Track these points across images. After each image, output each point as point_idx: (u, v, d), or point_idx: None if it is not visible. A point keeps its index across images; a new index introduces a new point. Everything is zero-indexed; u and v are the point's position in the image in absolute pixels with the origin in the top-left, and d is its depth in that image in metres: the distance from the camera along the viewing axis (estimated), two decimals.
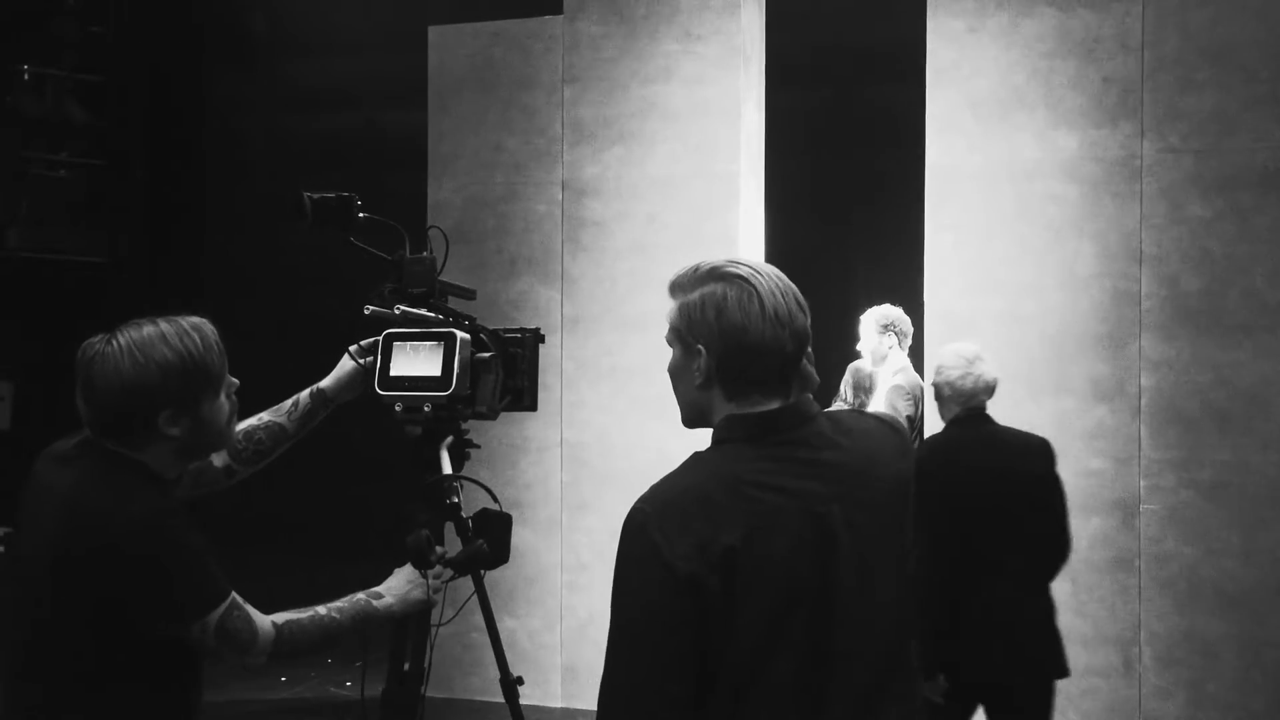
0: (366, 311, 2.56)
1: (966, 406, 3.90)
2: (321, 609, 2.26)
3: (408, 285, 2.59)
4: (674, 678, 1.66)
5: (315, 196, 2.58)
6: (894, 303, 6.08)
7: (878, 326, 6.03)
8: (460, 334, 2.49)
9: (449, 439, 2.50)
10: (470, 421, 2.67)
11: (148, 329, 2.14)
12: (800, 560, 1.72)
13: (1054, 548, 3.85)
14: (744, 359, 1.78)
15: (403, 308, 2.56)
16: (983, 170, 5.50)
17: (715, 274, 1.81)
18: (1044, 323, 5.35)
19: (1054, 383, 5.32)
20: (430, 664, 2.61)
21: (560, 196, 6.27)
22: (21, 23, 9.26)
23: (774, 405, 1.80)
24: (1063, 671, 3.82)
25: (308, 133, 9.78)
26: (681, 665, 1.66)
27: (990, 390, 3.92)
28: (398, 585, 2.39)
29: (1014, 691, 3.82)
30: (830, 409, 1.90)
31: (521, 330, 2.70)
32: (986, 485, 3.79)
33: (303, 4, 9.58)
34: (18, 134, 9.14)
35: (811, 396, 1.88)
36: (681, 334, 1.83)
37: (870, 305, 6.11)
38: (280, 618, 2.20)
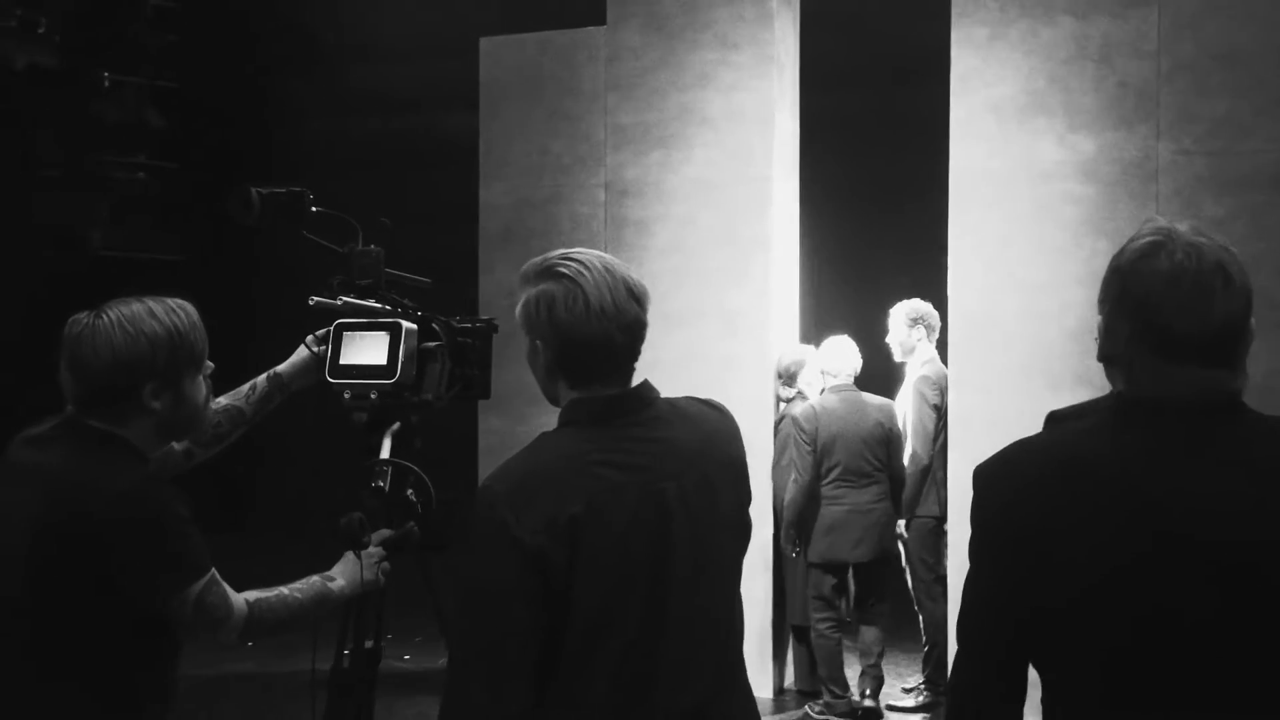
0: (311, 302, 2.52)
1: (838, 379, 5.70)
2: (285, 589, 2.24)
3: (355, 277, 2.54)
4: (522, 647, 1.68)
5: (264, 191, 2.52)
6: (920, 299, 6.12)
7: (907, 320, 6.06)
8: (406, 324, 2.45)
9: (395, 425, 2.45)
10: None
11: (135, 305, 2.11)
12: (638, 533, 1.75)
13: (890, 474, 5.65)
14: (577, 353, 1.81)
15: (346, 298, 2.52)
16: (1003, 172, 5.53)
17: (548, 272, 1.83)
18: (1062, 318, 5.38)
19: (1072, 376, 5.34)
20: (380, 643, 2.53)
21: (603, 198, 6.37)
22: (102, 32, 9.46)
23: (614, 391, 1.83)
24: (896, 555, 5.74)
25: (367, 136, 9.94)
26: (530, 636, 1.68)
27: (856, 370, 5.74)
28: (347, 568, 2.35)
29: (869, 566, 5.62)
30: (673, 396, 1.96)
31: (474, 321, 2.63)
32: (845, 430, 5.57)
33: (363, 15, 9.73)
34: (99, 139, 9.36)
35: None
36: (524, 329, 1.86)
37: (898, 301, 6.15)
38: (251, 596, 2.16)
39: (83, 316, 2.10)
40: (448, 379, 2.50)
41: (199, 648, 2.18)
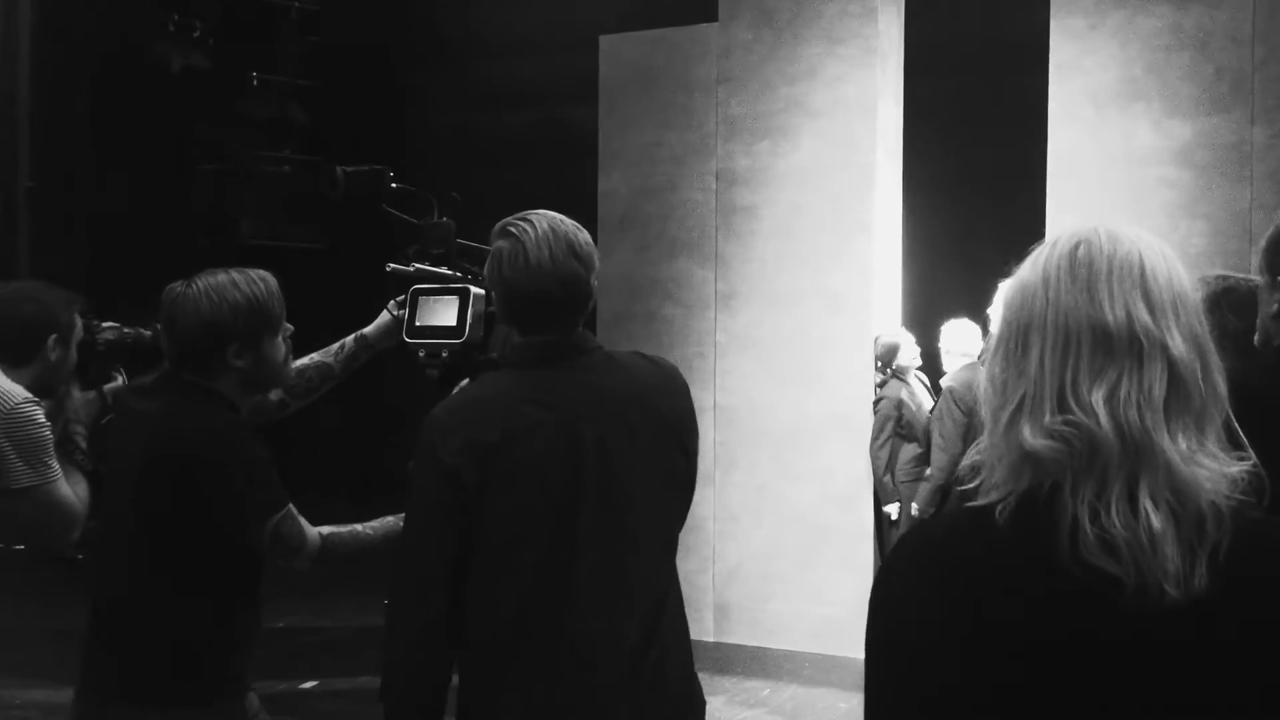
0: (388, 269, 2.69)
1: (969, 357, 5.92)
2: (358, 526, 2.44)
3: (428, 247, 2.71)
4: (441, 551, 1.91)
5: (349, 169, 2.74)
6: None
7: None
8: (474, 289, 2.60)
9: (464, 382, 2.56)
10: None
11: (221, 276, 2.32)
12: (551, 465, 1.94)
13: None
14: (518, 304, 2.03)
15: (418, 265, 2.68)
16: (1101, 157, 5.69)
17: (501, 231, 2.04)
18: None
19: None
20: None
21: (714, 186, 6.68)
22: (250, 35, 10.03)
23: (550, 338, 2.03)
24: None
25: (493, 129, 10.34)
26: (447, 541, 1.91)
27: (980, 348, 5.75)
28: None
29: None
30: (623, 350, 2.17)
31: None
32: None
33: (490, 15, 10.15)
34: (248, 135, 9.96)
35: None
36: (485, 281, 2.09)
37: (994, 281, 6.32)
38: (325, 530, 2.38)
39: (177, 285, 2.33)
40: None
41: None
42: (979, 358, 5.97)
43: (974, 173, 7.74)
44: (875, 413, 6.24)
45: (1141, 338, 1.11)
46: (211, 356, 2.30)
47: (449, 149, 10.67)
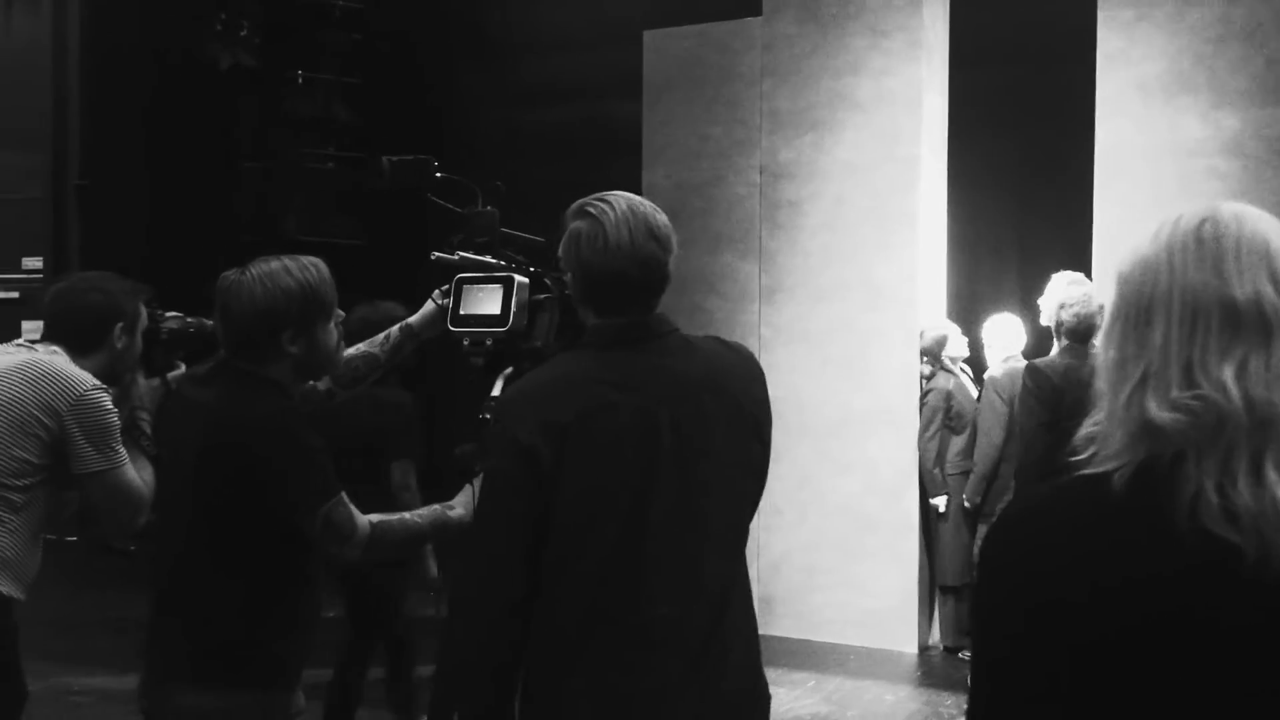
0: (432, 258, 2.68)
1: (1010, 350, 5.99)
2: (407, 514, 2.47)
3: (472, 235, 2.69)
4: (517, 530, 1.92)
5: (395, 159, 2.77)
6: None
7: (1066, 284, 6.21)
8: (518, 278, 2.59)
9: (508, 370, 2.58)
10: None
11: (274, 263, 2.35)
12: (625, 445, 1.94)
13: None
14: (595, 285, 2.01)
15: (463, 254, 2.67)
16: (1149, 148, 5.66)
17: (579, 211, 2.02)
18: None
19: None
20: None
21: (758, 180, 6.70)
22: (295, 34, 10.16)
23: (628, 320, 2.02)
24: None
25: (535, 124, 10.40)
26: (523, 520, 1.91)
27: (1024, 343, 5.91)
28: (465, 498, 2.48)
29: None
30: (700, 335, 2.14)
31: None
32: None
33: (532, 9, 10.20)
34: (293, 133, 10.09)
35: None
36: (561, 262, 2.06)
37: (1041, 275, 6.29)
38: (375, 518, 2.40)
39: (230, 274, 2.36)
40: (556, 328, 2.60)
41: None
42: (1023, 354, 5.96)
43: (1020, 166, 7.71)
44: (924, 404, 6.25)
45: (1270, 315, 1.14)
46: (266, 343, 2.33)
47: (492, 145, 10.73)
